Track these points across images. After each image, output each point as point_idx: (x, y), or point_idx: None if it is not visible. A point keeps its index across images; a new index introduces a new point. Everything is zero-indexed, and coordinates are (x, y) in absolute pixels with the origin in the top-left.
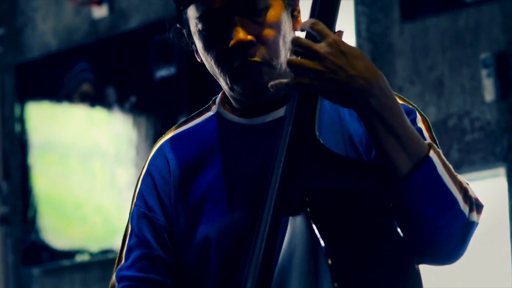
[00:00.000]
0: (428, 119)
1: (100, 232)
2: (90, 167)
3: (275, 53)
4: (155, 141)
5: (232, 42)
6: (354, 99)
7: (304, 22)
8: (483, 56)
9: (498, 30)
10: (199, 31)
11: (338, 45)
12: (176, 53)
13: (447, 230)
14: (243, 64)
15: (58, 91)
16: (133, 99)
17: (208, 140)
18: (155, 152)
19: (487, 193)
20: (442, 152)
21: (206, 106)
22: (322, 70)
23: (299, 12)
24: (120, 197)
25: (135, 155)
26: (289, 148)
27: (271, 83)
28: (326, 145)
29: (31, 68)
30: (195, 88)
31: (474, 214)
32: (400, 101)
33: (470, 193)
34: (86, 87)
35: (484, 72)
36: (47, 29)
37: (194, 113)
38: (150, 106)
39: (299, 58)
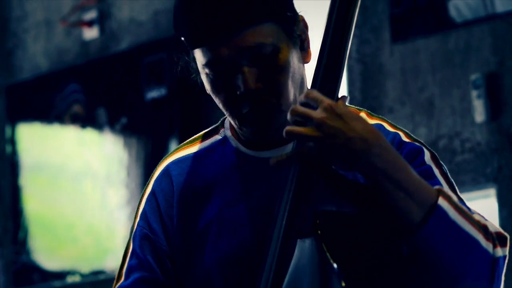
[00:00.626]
0: (436, 154)
1: (91, 253)
2: (81, 188)
3: (284, 96)
4: (145, 162)
5: (239, 92)
6: (357, 161)
7: (300, 96)
8: (473, 77)
9: (488, 51)
10: (206, 74)
11: (333, 109)
12: (167, 74)
13: (473, 274)
14: (252, 111)
15: (49, 112)
16: (124, 120)
17: (215, 168)
18: (160, 172)
19: None
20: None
21: (215, 126)
22: (320, 136)
23: (308, 42)
24: (111, 218)
25: (126, 176)
26: (300, 171)
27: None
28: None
29: (22, 89)
30: (186, 109)
31: (499, 249)
32: (406, 139)
33: (491, 229)
34: (77, 108)
35: (474, 93)
36: (38, 50)
37: (202, 133)
38: (141, 127)
39: (297, 127)
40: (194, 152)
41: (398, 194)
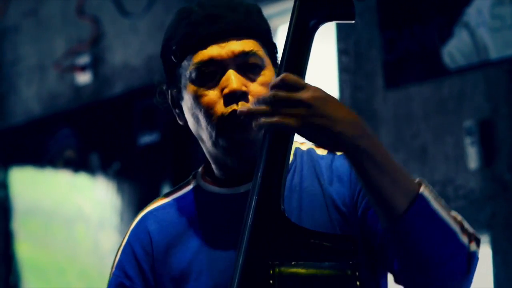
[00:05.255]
0: None
1: None
2: (73, 232)
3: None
4: (138, 207)
5: (226, 91)
6: (342, 142)
7: (274, 80)
8: (466, 124)
9: (481, 97)
10: (192, 80)
11: (320, 92)
12: (160, 119)
13: (451, 263)
14: (233, 114)
15: (42, 157)
16: (116, 165)
17: (189, 211)
18: (136, 224)
19: None
20: None
21: (186, 180)
22: (308, 115)
23: None
24: (103, 263)
25: (118, 221)
26: (253, 222)
27: (254, 123)
28: (309, 212)
29: (15, 133)
30: (179, 154)
31: (474, 244)
32: None
33: (466, 225)
34: (69, 153)
35: (467, 140)
36: (30, 95)
37: (175, 188)
38: (134, 172)
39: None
40: (168, 202)
41: (383, 178)
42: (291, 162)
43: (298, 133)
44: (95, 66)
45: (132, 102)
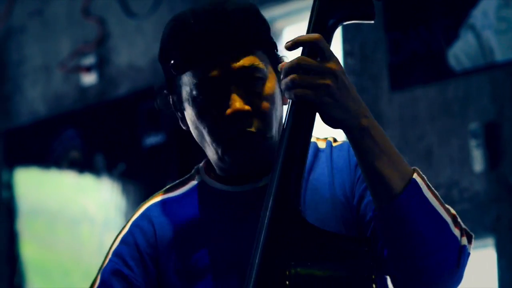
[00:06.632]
0: None
1: None
2: (78, 233)
3: (269, 125)
4: None
5: (229, 111)
6: (348, 116)
7: (304, 36)
8: (472, 126)
9: (486, 100)
10: (194, 98)
11: (340, 64)
12: (165, 120)
13: (442, 253)
14: (240, 135)
15: (47, 158)
16: (121, 166)
17: (195, 209)
18: (140, 215)
19: (475, 263)
20: None
21: (190, 175)
22: (334, 85)
23: None
24: None
25: (123, 222)
26: (270, 222)
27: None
28: (313, 206)
29: (20, 134)
30: (184, 156)
31: (465, 239)
32: None
33: (459, 220)
34: (74, 154)
35: (473, 142)
36: (36, 95)
37: (178, 181)
38: (139, 173)
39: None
40: (173, 196)
41: (382, 158)
42: None
43: (316, 103)
44: (100, 67)
45: (137, 103)
